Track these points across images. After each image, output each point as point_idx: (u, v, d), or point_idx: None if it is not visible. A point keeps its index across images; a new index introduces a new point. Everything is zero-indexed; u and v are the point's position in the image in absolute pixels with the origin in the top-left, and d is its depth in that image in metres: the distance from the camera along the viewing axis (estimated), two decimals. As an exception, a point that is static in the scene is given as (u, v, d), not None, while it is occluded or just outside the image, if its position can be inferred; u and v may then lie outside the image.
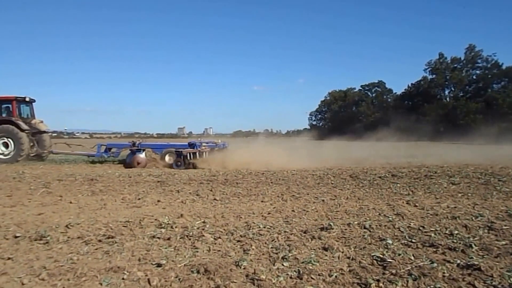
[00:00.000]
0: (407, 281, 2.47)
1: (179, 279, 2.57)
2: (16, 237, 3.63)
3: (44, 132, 14.42)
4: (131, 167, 11.38)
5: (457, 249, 3.09)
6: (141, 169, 11.01)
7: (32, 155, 13.72)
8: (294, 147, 16.37)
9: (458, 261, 2.79)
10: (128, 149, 12.48)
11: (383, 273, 2.62)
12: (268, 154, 12.49)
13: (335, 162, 12.37)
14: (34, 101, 14.72)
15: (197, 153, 11.96)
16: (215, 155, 12.96)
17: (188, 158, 11.65)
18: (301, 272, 2.63)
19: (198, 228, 3.89)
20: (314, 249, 3.19)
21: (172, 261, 2.92)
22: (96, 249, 3.27)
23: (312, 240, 3.47)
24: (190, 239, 3.52)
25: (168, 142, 15.36)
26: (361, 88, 75.30)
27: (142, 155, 12.02)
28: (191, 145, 12.35)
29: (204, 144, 12.99)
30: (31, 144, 13.61)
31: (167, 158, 12.33)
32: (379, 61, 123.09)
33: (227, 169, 10.35)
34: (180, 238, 3.55)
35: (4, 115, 13.58)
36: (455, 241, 3.32)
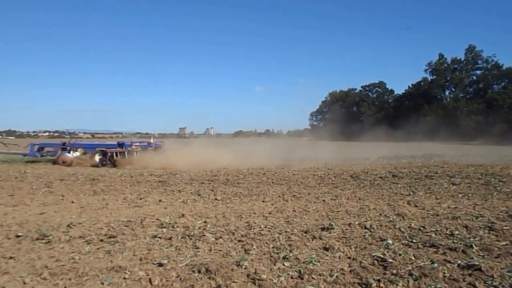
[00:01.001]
0: (408, 281, 2.47)
1: (180, 278, 2.58)
2: (18, 236, 3.65)
3: None
4: (58, 164, 11.87)
5: (457, 250, 3.09)
6: (142, 169, 11.04)
7: None
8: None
9: (459, 262, 2.79)
10: (59, 148, 12.96)
11: (384, 273, 2.62)
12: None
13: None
14: None
15: (126, 153, 12.38)
16: (147, 154, 13.18)
17: (114, 157, 12.06)
18: (302, 272, 2.64)
19: (199, 228, 3.90)
20: (315, 249, 3.20)
21: (174, 260, 2.93)
22: (98, 248, 3.28)
23: (313, 240, 3.47)
24: (191, 239, 3.53)
25: (103, 142, 16.01)
26: (361, 89, 75.38)
27: (68, 154, 12.43)
28: (120, 145, 12.80)
29: (136, 144, 13.45)
30: None
31: (96, 157, 12.58)
32: (379, 62, 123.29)
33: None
34: (182, 238, 3.57)
35: None
36: (455, 241, 3.33)
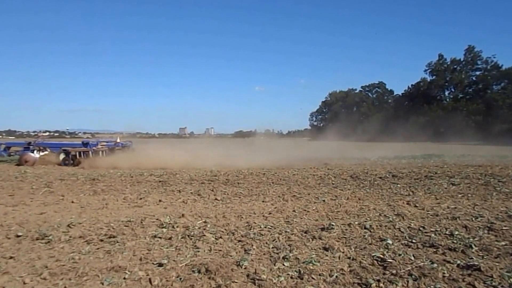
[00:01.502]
0: (408, 281, 2.48)
1: (180, 278, 2.58)
2: (18, 236, 3.65)
3: None
4: (21, 165, 11.80)
5: (457, 250, 3.10)
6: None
7: None
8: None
9: (458, 262, 2.80)
10: (23, 147, 13.02)
11: (384, 273, 2.63)
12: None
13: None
14: None
15: (90, 152, 12.59)
16: (113, 154, 13.40)
17: (78, 156, 12.29)
18: (302, 272, 2.65)
19: (199, 228, 3.90)
20: (314, 249, 3.20)
21: (173, 260, 2.93)
22: (98, 248, 3.28)
23: (312, 240, 3.48)
24: (191, 239, 3.53)
25: (70, 142, 16.16)
26: (361, 89, 75.48)
27: (31, 154, 12.44)
28: (85, 144, 13.02)
29: (102, 143, 13.70)
30: None
31: (61, 156, 12.71)
32: (379, 63, 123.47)
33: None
34: (181, 238, 3.57)
35: None
36: (455, 241, 3.33)
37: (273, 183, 7.61)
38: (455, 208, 4.90)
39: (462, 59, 57.34)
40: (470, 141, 37.40)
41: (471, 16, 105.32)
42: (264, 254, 3.10)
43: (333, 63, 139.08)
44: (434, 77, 59.49)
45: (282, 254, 3.03)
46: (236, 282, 2.52)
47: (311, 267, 2.74)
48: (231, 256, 3.06)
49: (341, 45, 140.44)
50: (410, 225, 3.99)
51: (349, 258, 2.98)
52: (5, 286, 2.53)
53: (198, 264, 2.81)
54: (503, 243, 3.28)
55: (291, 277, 2.59)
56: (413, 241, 3.37)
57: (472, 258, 2.87)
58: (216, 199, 5.82)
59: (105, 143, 13.99)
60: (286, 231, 3.76)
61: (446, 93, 60.17)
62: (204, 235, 3.61)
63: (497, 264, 2.76)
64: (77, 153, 12.47)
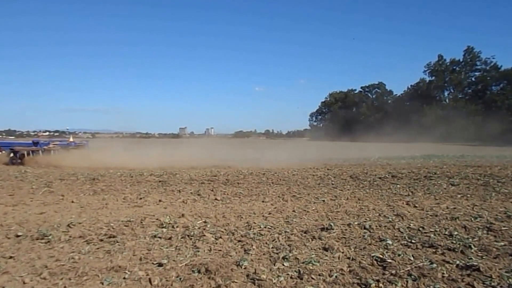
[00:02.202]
0: (407, 281, 2.48)
1: (180, 278, 2.59)
2: (17, 236, 3.65)
3: None
4: None
5: (456, 250, 3.11)
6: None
7: None
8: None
9: (458, 262, 2.80)
10: None
11: (383, 274, 2.63)
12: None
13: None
14: None
15: (40, 151, 12.90)
16: (65, 153, 13.70)
17: (26, 155, 12.52)
18: (302, 272, 2.65)
19: (199, 228, 3.90)
20: (314, 249, 3.21)
21: (173, 260, 2.93)
22: (98, 248, 3.28)
23: (312, 240, 3.48)
24: (191, 238, 3.54)
25: (22, 141, 16.59)
26: (361, 90, 75.59)
27: None
28: (35, 144, 13.30)
29: (56, 143, 14.14)
30: None
31: (11, 155, 12.92)
32: (379, 63, 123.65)
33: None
34: (181, 237, 3.57)
35: None
36: (454, 242, 3.34)
37: (273, 183, 7.62)
38: (455, 208, 4.91)
39: (461, 60, 57.51)
40: (469, 142, 37.46)
41: (471, 17, 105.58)
42: (264, 254, 3.11)
43: (333, 64, 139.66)
44: (433, 77, 59.65)
45: (282, 254, 3.04)
46: (236, 282, 2.53)
47: (311, 267, 2.74)
48: (231, 256, 3.06)
49: (341, 46, 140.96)
50: (410, 225, 4.00)
51: (348, 258, 2.98)
52: (5, 286, 2.53)
53: (198, 264, 2.81)
54: (502, 243, 3.29)
55: (291, 277, 2.60)
56: (413, 241, 3.38)
57: (471, 259, 2.87)
58: (216, 199, 5.83)
59: (57, 143, 14.39)
60: (286, 231, 3.76)
61: (446, 93, 60.43)
62: (204, 235, 3.61)
63: (496, 264, 2.76)
64: (26, 152, 12.70)
